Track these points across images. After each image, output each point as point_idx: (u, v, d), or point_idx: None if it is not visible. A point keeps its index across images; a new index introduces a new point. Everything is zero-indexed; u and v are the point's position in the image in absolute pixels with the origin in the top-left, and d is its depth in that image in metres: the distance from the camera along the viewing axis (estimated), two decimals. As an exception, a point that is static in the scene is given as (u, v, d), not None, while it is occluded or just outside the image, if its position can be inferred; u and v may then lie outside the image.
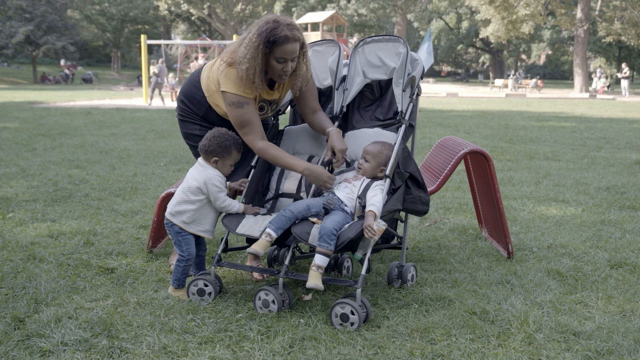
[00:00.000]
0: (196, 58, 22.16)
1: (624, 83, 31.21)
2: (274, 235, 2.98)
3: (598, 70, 37.29)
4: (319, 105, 3.46)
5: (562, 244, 4.19)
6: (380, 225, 2.89)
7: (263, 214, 3.29)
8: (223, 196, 3.15)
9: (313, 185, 3.33)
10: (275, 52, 3.05)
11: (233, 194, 3.48)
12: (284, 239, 3.14)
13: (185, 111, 3.45)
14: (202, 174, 3.16)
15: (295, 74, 3.23)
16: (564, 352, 2.57)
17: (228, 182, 3.26)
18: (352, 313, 2.76)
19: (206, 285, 3.11)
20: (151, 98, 20.68)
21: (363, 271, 2.88)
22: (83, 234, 4.30)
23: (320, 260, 2.88)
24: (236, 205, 3.20)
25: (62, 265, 3.63)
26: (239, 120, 3.19)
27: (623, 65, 33.14)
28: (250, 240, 3.36)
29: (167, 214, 3.23)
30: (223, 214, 3.28)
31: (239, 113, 3.17)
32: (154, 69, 20.57)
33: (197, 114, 3.39)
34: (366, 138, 3.38)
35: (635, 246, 4.14)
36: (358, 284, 2.84)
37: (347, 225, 2.98)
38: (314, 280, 2.86)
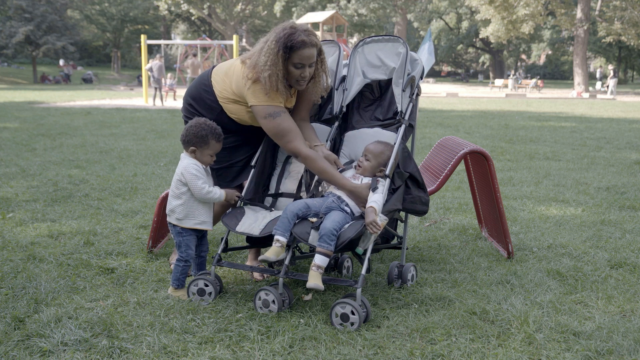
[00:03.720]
0: (194, 54, 22.12)
1: (612, 83, 31.76)
2: (283, 240, 2.96)
3: (598, 70, 37.35)
4: (308, 116, 3.46)
5: (562, 244, 4.19)
6: (382, 220, 2.90)
7: (263, 212, 3.30)
8: (201, 183, 3.11)
9: (312, 185, 3.33)
10: (293, 57, 3.06)
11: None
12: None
13: (193, 114, 3.40)
14: (180, 166, 3.16)
15: (314, 81, 3.23)
16: (564, 352, 2.57)
17: (224, 190, 3.23)
18: (353, 313, 2.76)
19: (206, 285, 3.11)
20: (154, 97, 20.67)
21: (363, 271, 2.88)
22: (83, 234, 4.30)
23: (320, 260, 2.88)
24: (217, 191, 3.17)
25: (62, 265, 3.63)
26: (277, 130, 3.16)
27: (610, 66, 33.50)
28: (250, 239, 3.36)
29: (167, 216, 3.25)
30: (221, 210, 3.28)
31: (275, 124, 3.15)
32: (147, 66, 20.59)
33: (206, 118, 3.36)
34: (366, 138, 3.38)
35: (635, 246, 4.14)
36: (358, 284, 2.84)
37: (347, 225, 2.98)
38: (314, 280, 2.86)
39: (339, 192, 3.15)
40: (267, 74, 3.06)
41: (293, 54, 3.05)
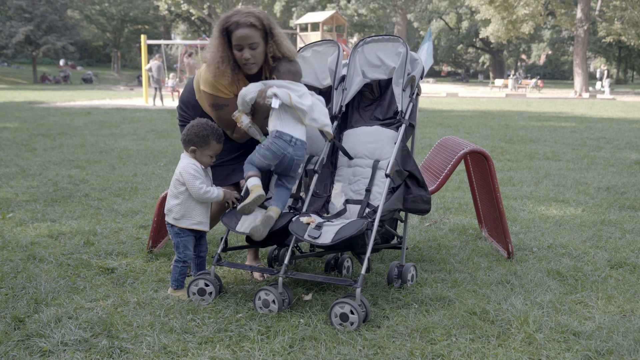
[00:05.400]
0: (190, 54, 22.14)
1: (605, 84, 32.38)
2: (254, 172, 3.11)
3: (598, 70, 37.43)
4: None
5: (562, 244, 4.19)
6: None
7: (262, 212, 3.29)
8: (199, 183, 3.10)
9: (312, 185, 3.32)
10: (232, 40, 3.11)
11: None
12: (283, 238, 3.15)
13: (183, 116, 3.50)
14: (179, 166, 3.16)
15: (268, 63, 3.25)
16: (564, 352, 2.57)
17: (222, 190, 3.24)
18: (352, 312, 2.76)
19: (207, 285, 3.11)
20: (154, 98, 20.67)
21: (363, 270, 2.88)
22: (83, 234, 4.29)
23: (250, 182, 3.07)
24: (215, 191, 3.17)
25: (62, 265, 3.63)
26: (220, 121, 3.33)
27: (603, 66, 33.93)
28: (250, 239, 3.36)
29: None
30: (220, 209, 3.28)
31: (219, 115, 3.31)
32: (147, 66, 20.62)
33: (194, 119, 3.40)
34: (364, 136, 3.39)
35: (635, 246, 4.14)
36: (357, 284, 2.84)
37: (347, 222, 2.99)
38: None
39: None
40: (210, 55, 3.15)
41: (232, 37, 3.09)
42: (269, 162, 3.10)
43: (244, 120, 3.17)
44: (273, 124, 3.12)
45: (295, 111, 3.09)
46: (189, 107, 3.47)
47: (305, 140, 3.16)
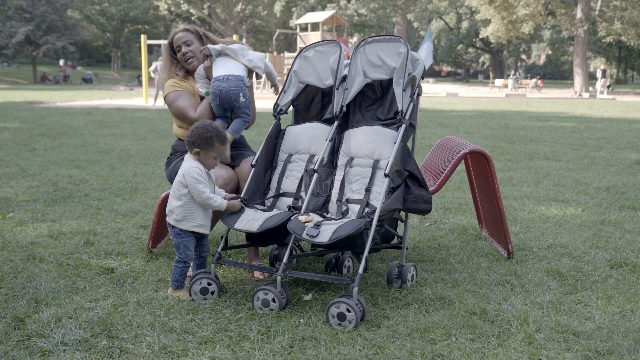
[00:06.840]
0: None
1: (601, 83, 32.99)
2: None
3: (598, 70, 37.45)
4: None
5: (562, 244, 4.19)
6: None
7: (262, 209, 3.30)
8: (202, 188, 3.09)
9: (311, 184, 3.32)
10: (175, 48, 3.77)
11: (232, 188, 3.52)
12: (284, 238, 3.14)
13: (175, 148, 3.85)
14: (182, 168, 3.16)
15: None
16: (564, 352, 2.57)
17: (226, 202, 3.21)
18: (348, 310, 2.76)
19: (210, 284, 3.11)
20: (155, 97, 20.65)
21: (360, 270, 2.87)
22: (83, 234, 4.30)
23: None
24: (218, 199, 3.15)
25: (62, 265, 3.63)
26: (178, 112, 3.67)
27: (602, 66, 34.41)
28: (250, 237, 3.36)
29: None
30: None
31: (175, 107, 3.66)
32: (151, 67, 20.58)
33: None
34: (365, 135, 3.39)
35: (635, 246, 4.14)
36: (355, 283, 2.83)
37: (345, 221, 2.98)
38: None
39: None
40: (162, 69, 3.89)
41: (174, 45, 3.78)
42: (215, 103, 3.55)
43: (199, 87, 3.69)
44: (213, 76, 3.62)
45: (229, 54, 3.60)
46: (178, 141, 3.82)
47: (239, 74, 3.57)
